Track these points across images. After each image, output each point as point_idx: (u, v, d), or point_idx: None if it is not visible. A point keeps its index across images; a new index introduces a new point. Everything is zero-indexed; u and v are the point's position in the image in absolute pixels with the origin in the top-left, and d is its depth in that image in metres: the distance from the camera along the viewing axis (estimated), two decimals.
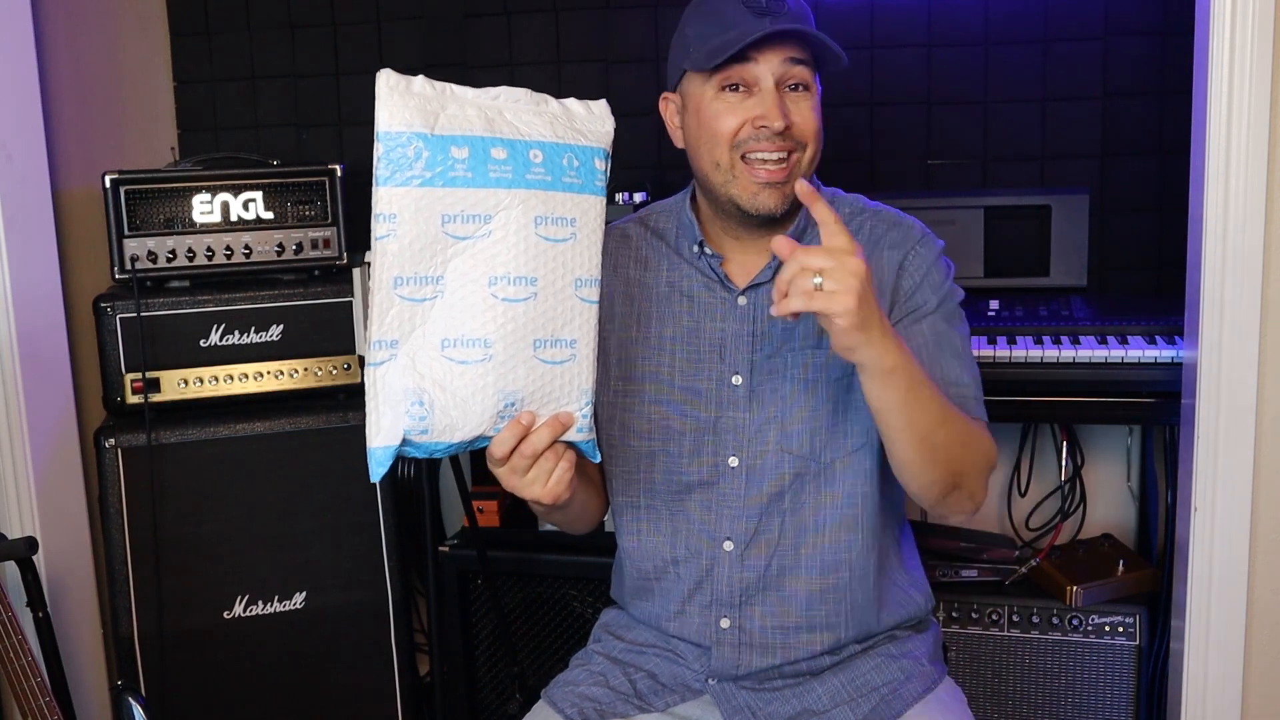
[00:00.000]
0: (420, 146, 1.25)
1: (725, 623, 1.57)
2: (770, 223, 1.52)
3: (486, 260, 1.28)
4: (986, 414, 1.58)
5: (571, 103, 1.37)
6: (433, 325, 1.29)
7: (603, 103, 1.38)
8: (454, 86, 1.31)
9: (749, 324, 1.55)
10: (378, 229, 1.26)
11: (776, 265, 1.53)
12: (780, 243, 1.29)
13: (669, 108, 1.58)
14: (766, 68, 1.46)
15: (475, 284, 1.29)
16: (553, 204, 1.30)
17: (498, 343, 1.29)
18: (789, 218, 1.54)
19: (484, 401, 1.29)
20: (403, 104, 1.26)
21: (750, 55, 1.45)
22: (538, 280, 1.29)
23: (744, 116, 1.47)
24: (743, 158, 1.48)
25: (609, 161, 1.34)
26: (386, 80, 1.26)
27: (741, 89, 1.47)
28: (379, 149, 1.26)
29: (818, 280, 1.25)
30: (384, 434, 1.28)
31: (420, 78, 1.29)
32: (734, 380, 1.55)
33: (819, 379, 1.53)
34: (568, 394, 1.32)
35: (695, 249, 1.58)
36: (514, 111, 1.33)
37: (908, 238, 1.56)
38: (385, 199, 1.26)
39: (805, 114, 1.48)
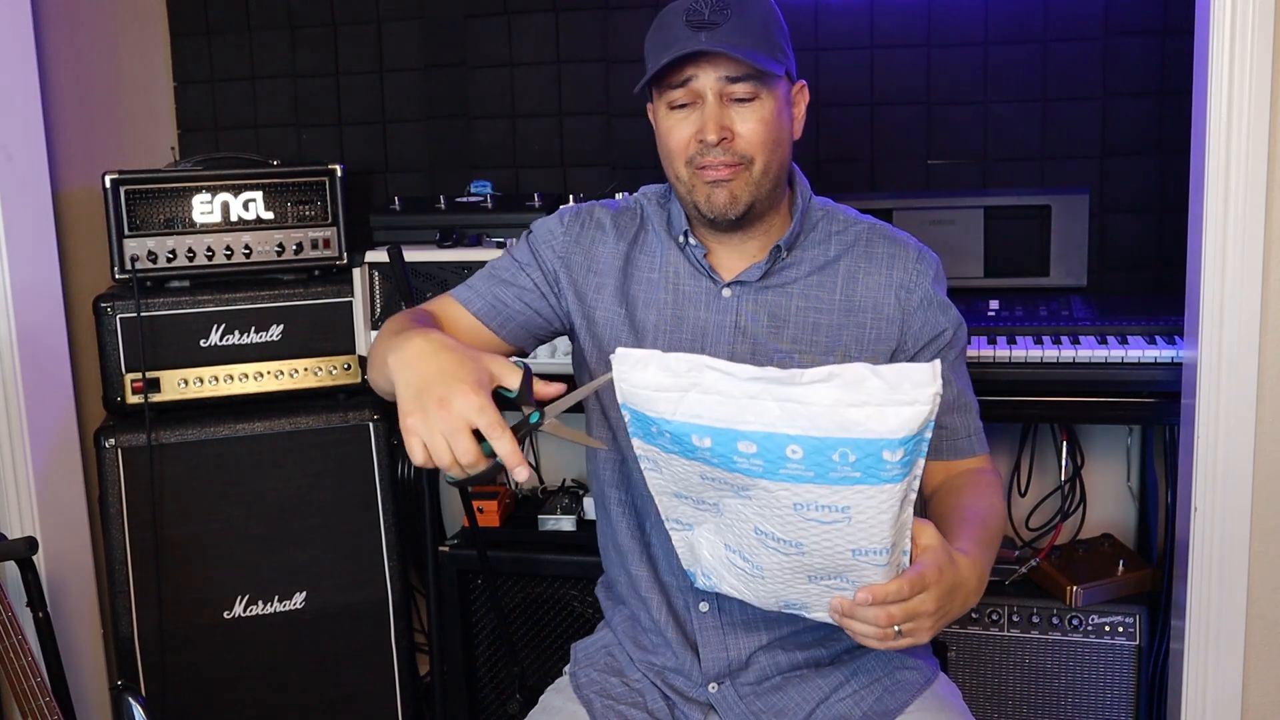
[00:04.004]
0: (662, 427, 1.21)
1: (704, 606, 1.58)
2: (735, 225, 1.54)
3: (754, 513, 1.24)
4: (987, 443, 1.64)
5: (887, 373, 1.12)
6: (709, 528, 1.32)
7: (930, 367, 1.11)
8: (712, 362, 1.16)
9: (731, 316, 1.57)
10: (643, 463, 1.28)
11: (765, 266, 1.56)
12: (838, 607, 1.28)
13: (652, 117, 1.60)
14: (706, 82, 1.48)
15: (745, 524, 1.27)
16: (817, 495, 1.17)
17: (770, 570, 1.29)
18: (761, 216, 1.56)
19: (761, 601, 1.35)
20: (641, 379, 1.19)
21: (686, 70, 1.47)
22: (804, 545, 1.23)
23: (689, 132, 1.50)
24: (698, 170, 1.51)
25: (913, 444, 1.13)
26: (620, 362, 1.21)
27: (688, 105, 1.50)
28: (626, 414, 1.24)
29: (897, 629, 1.26)
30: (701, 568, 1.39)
31: (661, 357, 1.19)
32: None
33: None
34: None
35: (681, 238, 1.60)
36: (779, 395, 1.14)
37: (904, 254, 1.59)
38: (639, 448, 1.26)
39: (750, 126, 1.49)
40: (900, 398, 1.10)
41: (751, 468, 1.18)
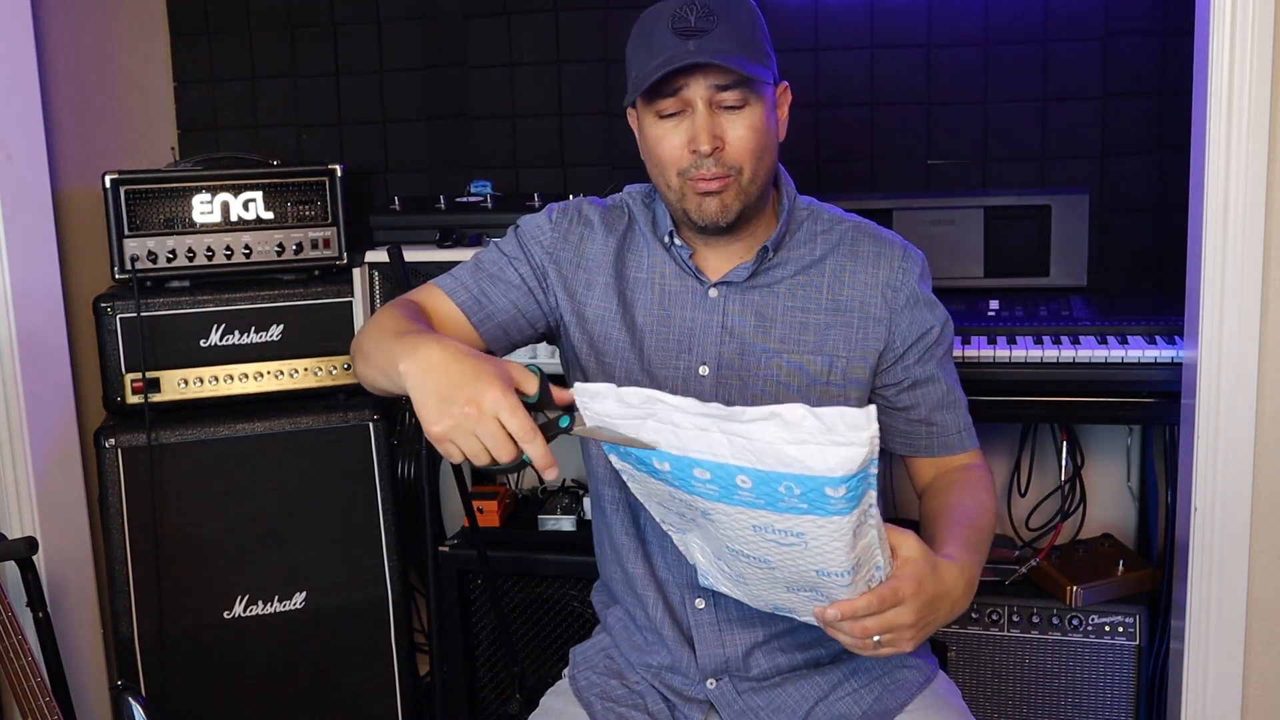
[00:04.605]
0: (625, 451, 1.24)
1: (700, 603, 1.58)
2: (725, 231, 1.54)
3: (721, 532, 1.28)
4: (977, 438, 1.63)
5: (826, 415, 1.11)
6: (698, 535, 1.34)
7: (865, 412, 1.10)
8: (662, 396, 1.18)
9: (719, 315, 1.57)
10: (624, 475, 1.31)
11: (752, 267, 1.56)
12: (819, 616, 1.29)
13: (633, 122, 1.60)
14: (696, 91, 1.47)
15: (718, 540, 1.30)
16: (771, 519, 1.20)
17: (750, 579, 1.33)
18: (748, 221, 1.55)
19: (753, 602, 1.38)
20: (601, 409, 1.22)
21: (677, 80, 1.46)
22: (771, 562, 1.26)
23: (680, 142, 1.49)
24: (690, 179, 1.50)
25: (855, 482, 1.13)
26: (580, 394, 1.24)
27: (677, 114, 1.49)
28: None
29: (876, 639, 1.28)
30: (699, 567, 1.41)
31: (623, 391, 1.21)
32: (700, 371, 1.57)
33: (791, 384, 1.55)
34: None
35: (667, 239, 1.60)
36: (726, 429, 1.16)
37: (889, 252, 1.59)
38: (616, 463, 1.29)
39: (739, 134, 1.48)
40: (837, 439, 1.11)
41: (708, 492, 1.21)
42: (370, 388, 1.48)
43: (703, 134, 1.46)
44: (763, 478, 1.15)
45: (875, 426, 1.10)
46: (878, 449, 1.12)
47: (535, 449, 1.21)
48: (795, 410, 1.11)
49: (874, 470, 1.14)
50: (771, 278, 1.58)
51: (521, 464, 1.23)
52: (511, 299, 1.61)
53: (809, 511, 1.16)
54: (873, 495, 1.18)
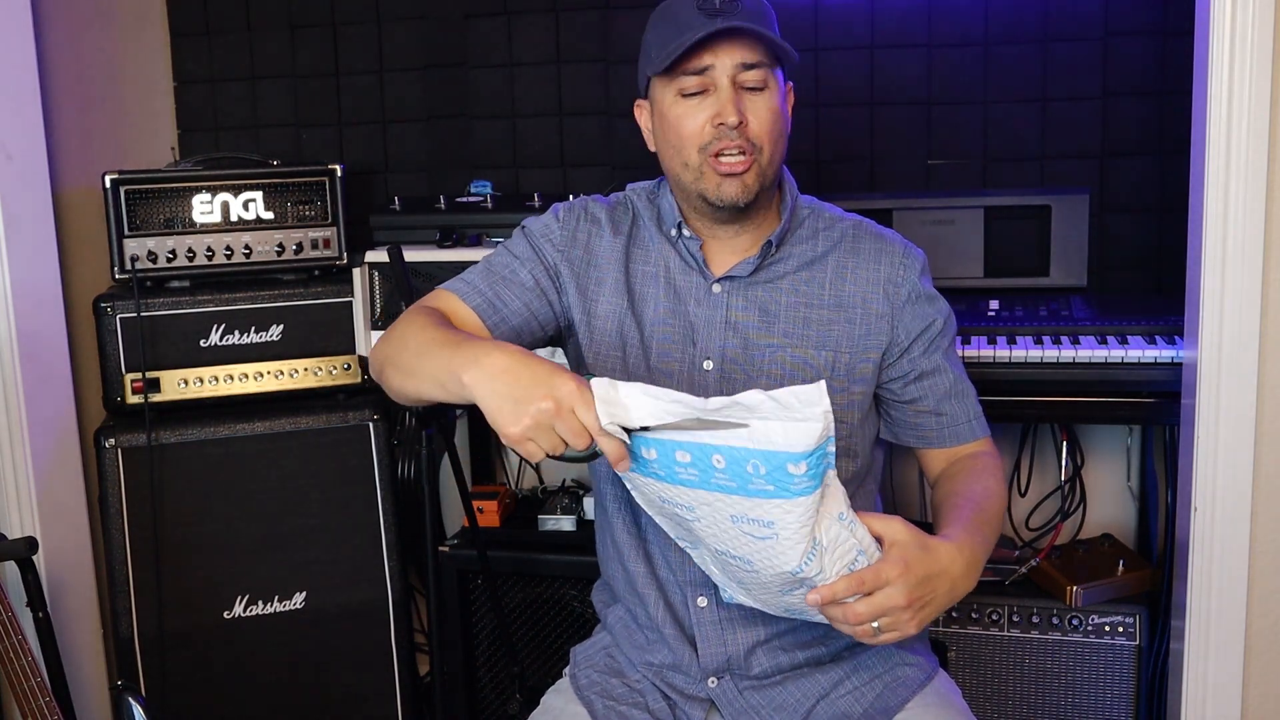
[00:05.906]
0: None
1: (702, 601, 1.58)
2: (739, 214, 1.56)
3: (709, 535, 1.31)
4: (988, 426, 1.64)
5: (781, 395, 1.18)
6: (704, 548, 1.36)
7: (816, 387, 1.17)
8: (642, 387, 1.24)
9: (722, 310, 1.58)
10: (625, 482, 1.33)
11: (756, 262, 1.58)
12: (811, 599, 1.31)
13: (642, 114, 1.62)
14: (721, 70, 1.49)
15: (710, 547, 1.33)
16: (745, 507, 1.23)
17: (748, 585, 1.35)
18: (757, 210, 1.57)
19: (767, 606, 1.40)
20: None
21: (704, 57, 1.49)
22: (753, 562, 1.29)
23: (704, 117, 1.51)
24: (712, 156, 1.52)
25: (815, 459, 1.18)
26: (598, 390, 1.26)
27: (700, 94, 1.51)
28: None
29: (875, 625, 1.30)
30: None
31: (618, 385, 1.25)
32: (705, 365, 1.58)
33: (794, 378, 1.56)
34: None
35: (674, 232, 1.61)
36: (702, 413, 1.21)
37: (890, 249, 1.61)
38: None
39: (761, 114, 1.51)
40: (795, 414, 1.15)
41: (689, 478, 1.23)
42: (408, 399, 1.49)
43: (729, 106, 1.48)
44: (734, 455, 1.18)
45: (827, 401, 1.15)
46: (833, 426, 1.16)
47: (608, 443, 1.23)
48: (753, 396, 1.17)
49: (831, 449, 1.18)
50: (774, 273, 1.59)
51: (595, 453, 1.26)
52: (524, 301, 1.62)
53: (775, 494, 1.19)
54: (831, 474, 1.21)
